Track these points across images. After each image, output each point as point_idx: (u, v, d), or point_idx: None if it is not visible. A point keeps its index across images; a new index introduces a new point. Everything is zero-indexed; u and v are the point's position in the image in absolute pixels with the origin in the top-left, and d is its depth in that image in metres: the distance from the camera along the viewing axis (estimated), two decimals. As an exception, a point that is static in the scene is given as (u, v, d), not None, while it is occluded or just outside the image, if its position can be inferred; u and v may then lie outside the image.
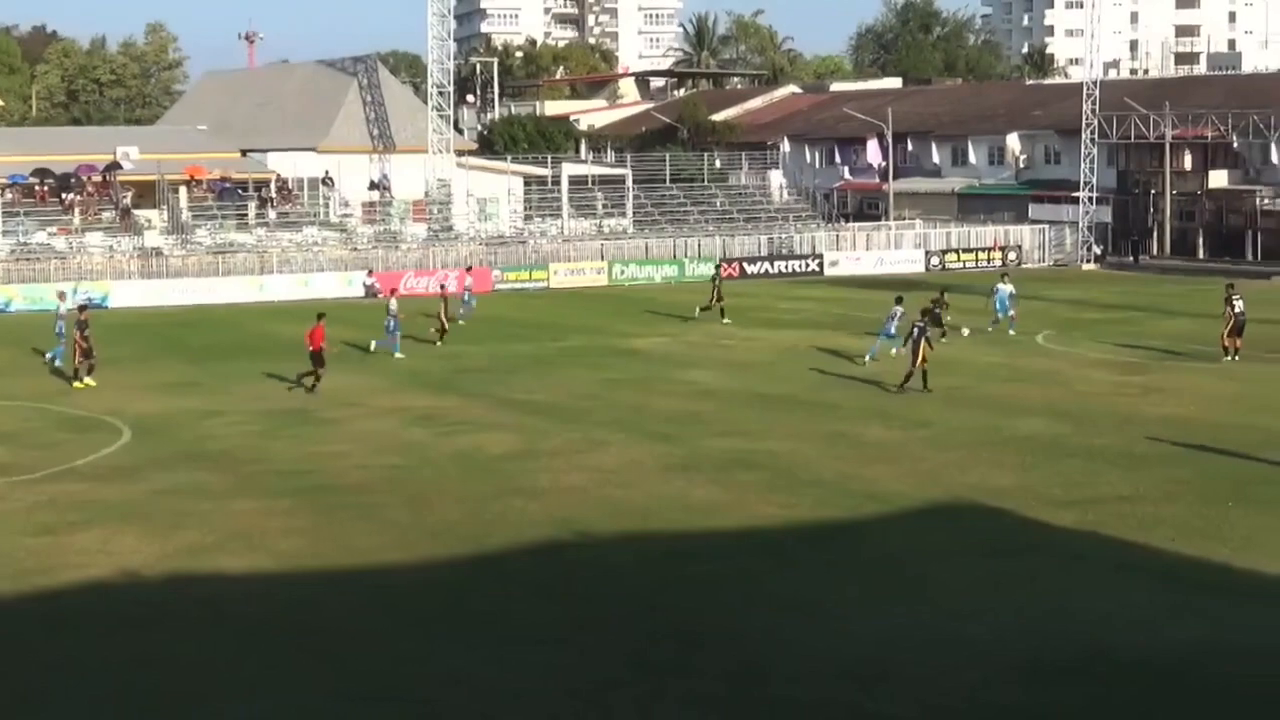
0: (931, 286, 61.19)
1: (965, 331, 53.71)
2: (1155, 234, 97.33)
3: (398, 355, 51.40)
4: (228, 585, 25.00)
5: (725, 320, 60.02)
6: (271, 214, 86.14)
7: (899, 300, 48.38)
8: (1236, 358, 47.38)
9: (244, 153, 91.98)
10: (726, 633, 22.02)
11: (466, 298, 61.83)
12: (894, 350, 47.18)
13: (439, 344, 54.61)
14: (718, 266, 68.30)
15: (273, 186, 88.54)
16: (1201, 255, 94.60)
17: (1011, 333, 54.31)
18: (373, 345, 51.92)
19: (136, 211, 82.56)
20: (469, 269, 68.84)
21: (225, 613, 23.47)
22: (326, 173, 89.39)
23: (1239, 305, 47.87)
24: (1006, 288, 55.01)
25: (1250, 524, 27.53)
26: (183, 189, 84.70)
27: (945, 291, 54.61)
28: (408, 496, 30.86)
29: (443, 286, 60.05)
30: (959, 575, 24.85)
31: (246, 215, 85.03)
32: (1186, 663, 20.25)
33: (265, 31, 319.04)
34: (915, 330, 43.15)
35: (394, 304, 52.79)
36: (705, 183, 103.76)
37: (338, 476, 33.09)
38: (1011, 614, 22.59)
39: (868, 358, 47.54)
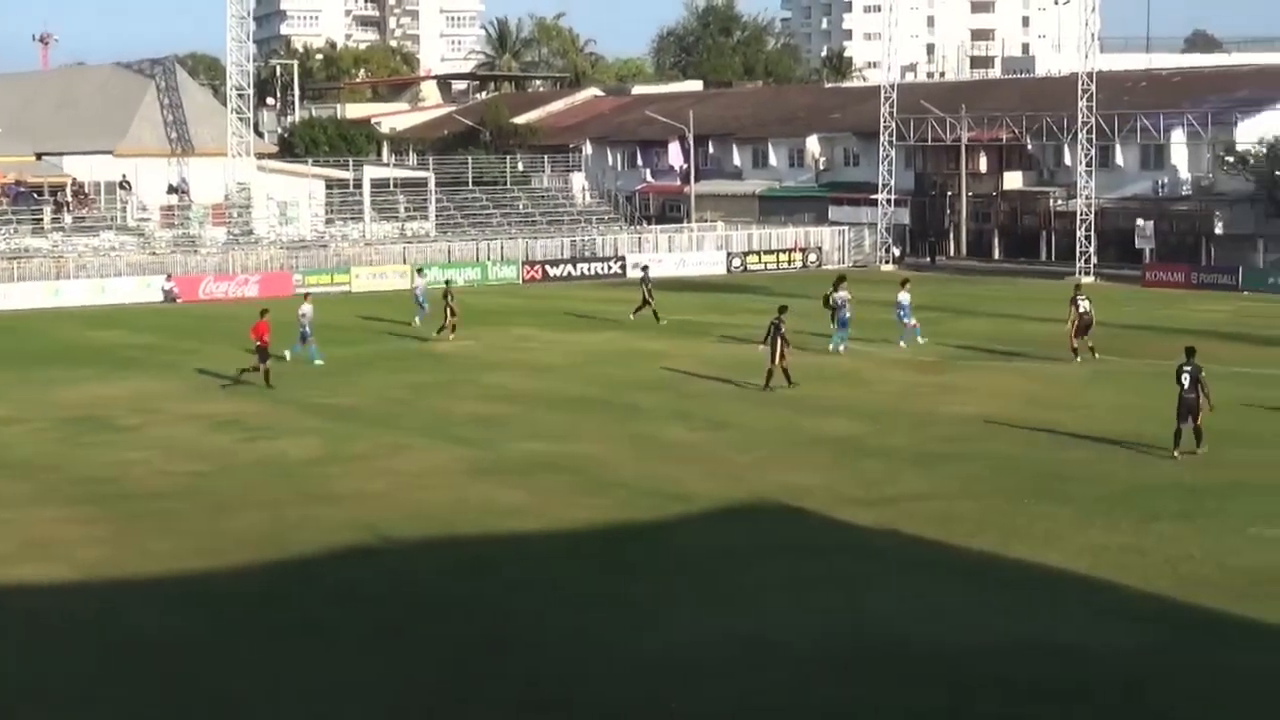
0: (735, 289, 61.76)
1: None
2: (952, 235, 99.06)
3: (317, 362, 49.91)
4: (28, 595, 24.58)
5: (661, 321, 59.83)
6: (68, 218, 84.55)
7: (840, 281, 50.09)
8: (1095, 356, 47.98)
9: (39, 156, 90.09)
10: (535, 636, 22.08)
11: (420, 299, 60.54)
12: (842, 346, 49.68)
13: (451, 336, 55.43)
14: (645, 269, 66.93)
15: (69, 190, 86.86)
16: (997, 256, 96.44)
17: (903, 345, 52.76)
18: (288, 354, 49.63)
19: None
20: (420, 270, 67.75)
21: (26, 623, 23.10)
22: (124, 176, 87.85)
23: (1084, 305, 48.55)
24: (906, 295, 53.67)
25: (1047, 520, 28.15)
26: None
27: (843, 280, 53.81)
28: (210, 503, 30.53)
29: (448, 283, 59.88)
30: (764, 575, 25.12)
31: (42, 220, 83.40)
32: (988, 659, 20.66)
33: (60, 33, 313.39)
34: (772, 327, 43.59)
35: (308, 308, 50.98)
36: (508, 185, 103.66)
37: (139, 484, 32.64)
38: (816, 612, 22.89)
39: (840, 348, 49.07)
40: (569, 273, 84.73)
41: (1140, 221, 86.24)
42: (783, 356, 43.38)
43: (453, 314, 55.91)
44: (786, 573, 25.27)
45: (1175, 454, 33.16)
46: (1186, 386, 33.18)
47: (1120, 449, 34.37)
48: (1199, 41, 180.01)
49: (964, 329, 57.48)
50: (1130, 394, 42.31)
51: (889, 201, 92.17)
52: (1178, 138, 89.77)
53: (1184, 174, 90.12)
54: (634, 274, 76.61)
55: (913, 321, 53.25)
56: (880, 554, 26.39)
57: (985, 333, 55.75)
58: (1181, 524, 27.69)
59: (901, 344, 52.67)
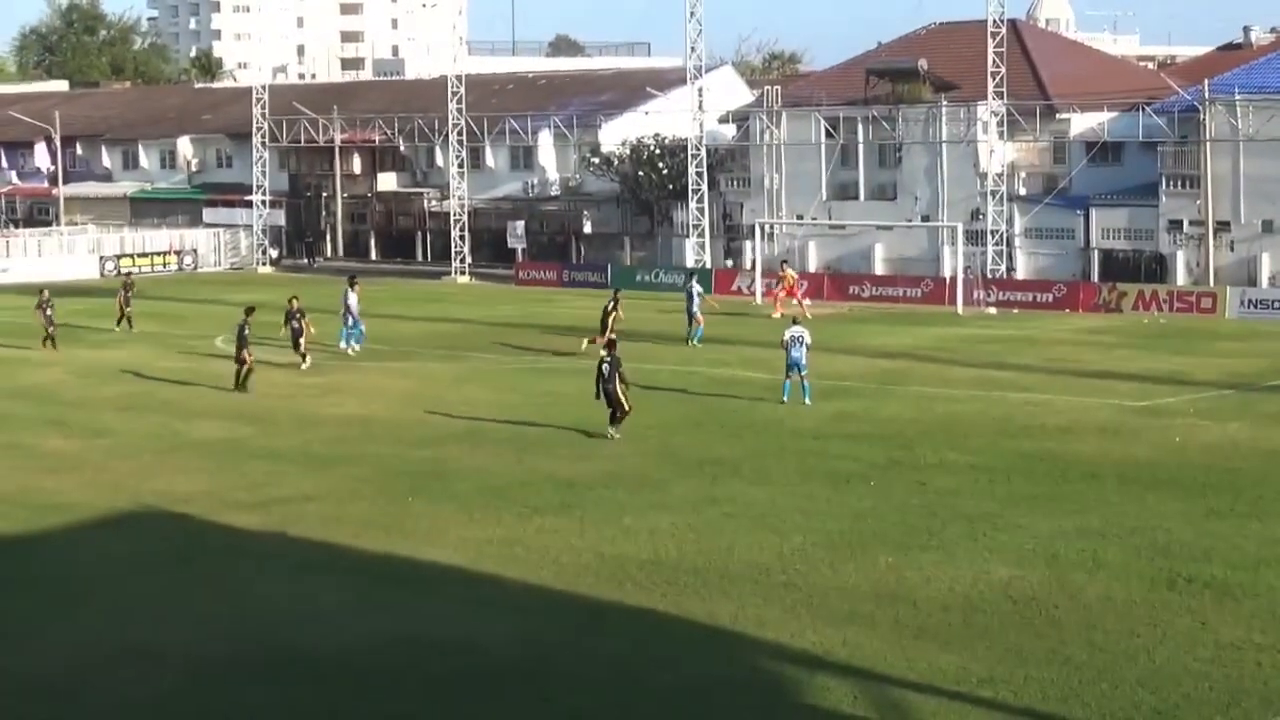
0: (111, 292, 60.12)
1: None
2: (329, 236, 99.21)
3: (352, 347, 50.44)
4: None
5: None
6: None
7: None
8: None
9: None
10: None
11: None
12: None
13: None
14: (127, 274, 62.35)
15: None
16: (374, 256, 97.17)
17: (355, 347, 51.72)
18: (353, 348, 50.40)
19: None
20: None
21: None
22: None
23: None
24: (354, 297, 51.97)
25: (430, 516, 28.57)
26: None
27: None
28: None
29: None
30: (147, 582, 24.66)
31: None
32: (374, 657, 20.80)
33: None
34: (238, 330, 43.36)
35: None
36: None
37: None
38: (201, 618, 22.60)
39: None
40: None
41: (511, 221, 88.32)
42: (247, 359, 43.12)
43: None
44: (169, 579, 24.87)
45: (613, 434, 35.25)
46: (607, 377, 35.03)
47: (501, 444, 35.20)
48: (562, 46, 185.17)
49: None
50: (505, 390, 43.40)
51: (264, 203, 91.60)
52: (545, 139, 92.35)
53: (553, 175, 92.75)
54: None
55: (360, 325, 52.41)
56: (265, 557, 26.22)
57: (367, 333, 55.81)
58: (561, 516, 28.52)
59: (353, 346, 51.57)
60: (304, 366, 47.13)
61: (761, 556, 25.54)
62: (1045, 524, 27.41)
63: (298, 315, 47.46)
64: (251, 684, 20.02)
